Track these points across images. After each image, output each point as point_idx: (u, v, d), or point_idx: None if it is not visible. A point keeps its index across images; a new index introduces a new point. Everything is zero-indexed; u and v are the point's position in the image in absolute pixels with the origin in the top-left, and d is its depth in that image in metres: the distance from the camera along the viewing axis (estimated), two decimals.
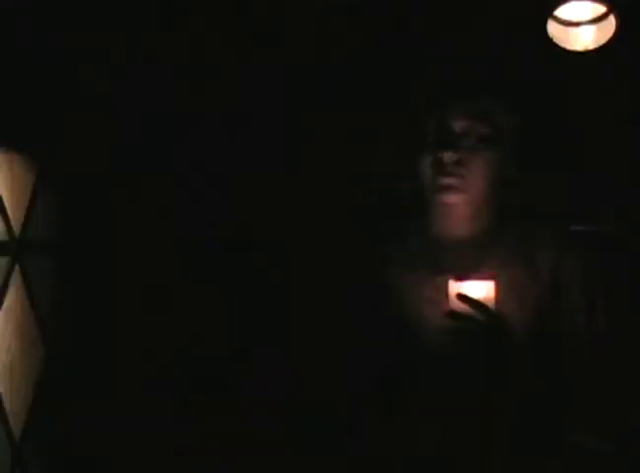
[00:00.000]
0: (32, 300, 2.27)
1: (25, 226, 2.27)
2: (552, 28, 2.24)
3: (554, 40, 2.24)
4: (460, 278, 1.81)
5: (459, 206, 1.92)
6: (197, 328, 2.37)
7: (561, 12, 2.24)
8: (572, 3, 2.22)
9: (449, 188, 1.89)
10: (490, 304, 1.79)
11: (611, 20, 2.21)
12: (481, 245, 1.94)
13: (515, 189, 1.95)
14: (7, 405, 2.19)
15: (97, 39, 2.30)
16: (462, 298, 1.78)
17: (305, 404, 2.12)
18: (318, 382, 2.08)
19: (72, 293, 2.33)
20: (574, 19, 2.25)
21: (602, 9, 2.22)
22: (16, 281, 2.24)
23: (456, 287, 1.80)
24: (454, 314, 1.78)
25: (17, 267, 2.25)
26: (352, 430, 1.92)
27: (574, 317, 1.91)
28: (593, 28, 2.25)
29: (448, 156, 1.87)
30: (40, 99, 2.25)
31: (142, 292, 2.36)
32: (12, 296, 2.22)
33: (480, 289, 1.80)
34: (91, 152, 2.32)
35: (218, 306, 2.37)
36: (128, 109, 2.34)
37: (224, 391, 2.34)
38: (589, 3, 2.23)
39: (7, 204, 2.22)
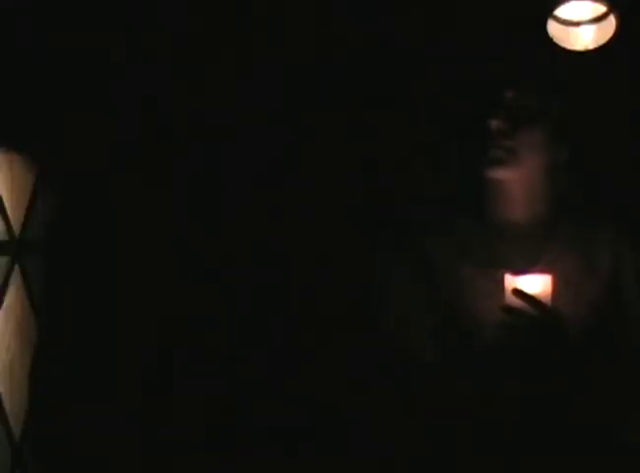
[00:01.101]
0: (32, 300, 2.28)
1: (25, 226, 2.27)
2: (552, 28, 2.24)
3: (554, 40, 2.24)
4: (516, 272, 1.75)
5: (511, 188, 1.84)
6: (197, 328, 2.37)
7: (561, 12, 2.23)
8: (572, 3, 2.22)
9: (499, 162, 1.81)
10: (547, 298, 1.73)
11: (611, 20, 2.21)
12: (537, 234, 1.86)
13: (571, 173, 1.90)
14: (7, 405, 2.19)
15: (98, 40, 2.30)
16: (517, 293, 1.72)
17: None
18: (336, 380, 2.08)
19: (72, 292, 2.33)
20: (574, 19, 2.24)
21: (602, 9, 2.22)
22: (16, 281, 2.24)
23: (512, 281, 1.74)
24: (509, 309, 1.73)
25: (17, 267, 2.25)
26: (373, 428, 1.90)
27: (633, 314, 1.84)
28: (593, 28, 2.24)
29: (496, 124, 1.80)
30: (40, 99, 2.25)
31: (142, 291, 2.36)
32: (12, 296, 2.22)
33: (537, 283, 1.74)
34: (91, 152, 2.32)
35: (218, 306, 2.37)
36: (128, 109, 2.34)
37: (225, 391, 2.35)
38: (589, 3, 2.22)
39: (7, 204, 2.23)
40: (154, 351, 2.34)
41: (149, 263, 2.36)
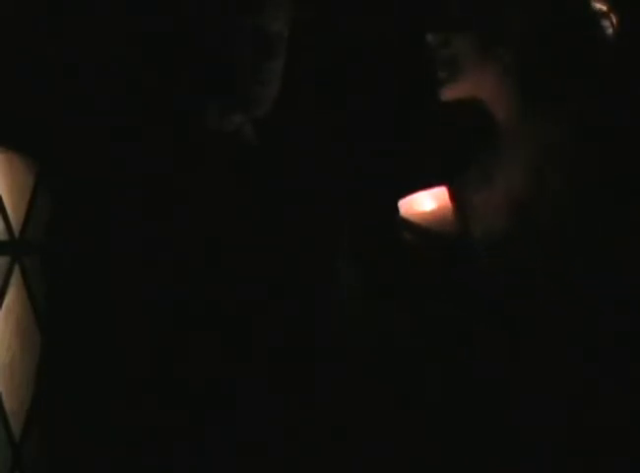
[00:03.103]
0: (33, 300, 2.28)
1: (25, 226, 2.27)
2: None
3: None
4: (409, 191, 1.57)
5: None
6: (198, 328, 2.37)
7: None
8: None
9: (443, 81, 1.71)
10: (448, 213, 1.56)
11: (612, 20, 2.21)
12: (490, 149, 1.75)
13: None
14: (7, 405, 2.19)
15: (98, 39, 2.30)
16: (403, 221, 1.56)
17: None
18: None
19: (72, 292, 2.33)
20: None
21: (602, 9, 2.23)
22: (16, 281, 2.24)
23: (405, 203, 1.56)
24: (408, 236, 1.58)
25: (17, 267, 2.25)
26: None
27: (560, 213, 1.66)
28: None
29: (431, 38, 1.69)
30: (41, 98, 2.25)
31: (142, 291, 2.36)
32: (12, 296, 2.22)
33: (433, 199, 1.56)
34: (91, 152, 2.32)
35: (217, 306, 2.37)
36: (128, 109, 2.34)
37: (226, 390, 2.35)
38: None
39: (7, 204, 2.23)
40: (154, 351, 2.34)
41: (148, 262, 2.36)
